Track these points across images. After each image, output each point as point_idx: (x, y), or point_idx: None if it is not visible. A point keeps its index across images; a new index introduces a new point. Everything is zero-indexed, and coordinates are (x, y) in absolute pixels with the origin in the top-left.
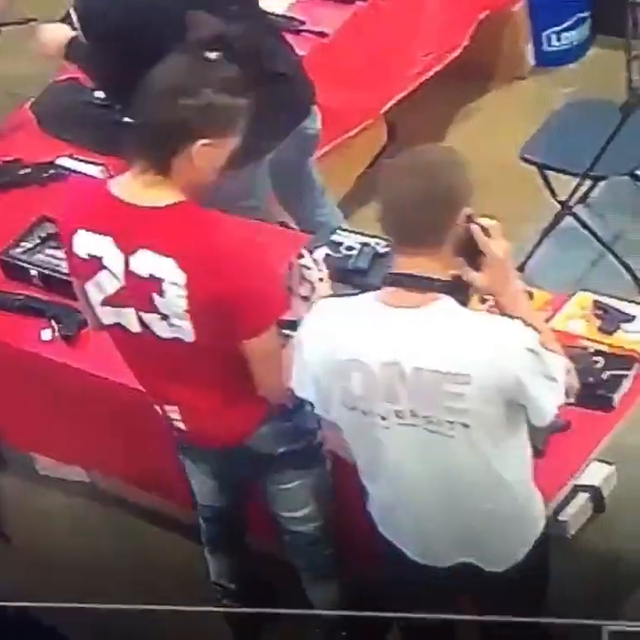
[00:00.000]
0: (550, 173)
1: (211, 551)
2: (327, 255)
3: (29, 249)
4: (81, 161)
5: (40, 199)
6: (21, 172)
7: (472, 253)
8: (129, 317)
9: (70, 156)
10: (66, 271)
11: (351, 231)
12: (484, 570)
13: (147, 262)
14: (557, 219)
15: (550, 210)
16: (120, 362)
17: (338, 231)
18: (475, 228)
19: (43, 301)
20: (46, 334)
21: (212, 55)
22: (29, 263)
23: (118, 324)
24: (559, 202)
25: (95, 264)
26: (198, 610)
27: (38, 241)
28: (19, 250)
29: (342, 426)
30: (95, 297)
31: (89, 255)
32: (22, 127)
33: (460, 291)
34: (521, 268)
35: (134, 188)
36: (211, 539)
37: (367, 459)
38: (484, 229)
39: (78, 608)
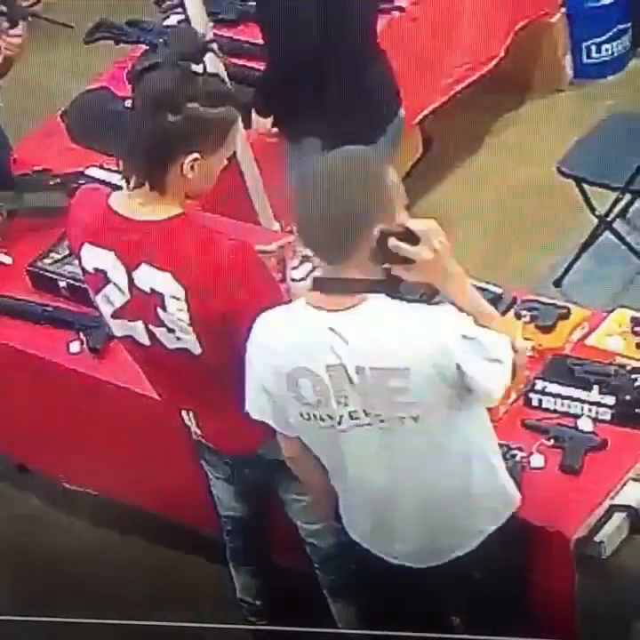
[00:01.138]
0: (588, 187)
1: (234, 565)
2: None
3: (58, 260)
4: (111, 171)
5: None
6: (50, 182)
7: (398, 259)
8: (138, 330)
9: (100, 166)
10: None
11: None
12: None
13: (148, 277)
14: (595, 233)
15: (588, 224)
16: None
17: None
18: (394, 243)
19: (71, 313)
20: (74, 346)
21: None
22: (58, 274)
23: (130, 337)
24: (597, 216)
25: (101, 278)
26: (223, 627)
27: (67, 252)
28: (47, 260)
29: (303, 437)
30: (105, 310)
31: (95, 269)
32: (52, 136)
33: (390, 285)
34: (558, 284)
35: (132, 202)
36: (234, 552)
37: (332, 465)
38: (410, 236)
39: (100, 624)
